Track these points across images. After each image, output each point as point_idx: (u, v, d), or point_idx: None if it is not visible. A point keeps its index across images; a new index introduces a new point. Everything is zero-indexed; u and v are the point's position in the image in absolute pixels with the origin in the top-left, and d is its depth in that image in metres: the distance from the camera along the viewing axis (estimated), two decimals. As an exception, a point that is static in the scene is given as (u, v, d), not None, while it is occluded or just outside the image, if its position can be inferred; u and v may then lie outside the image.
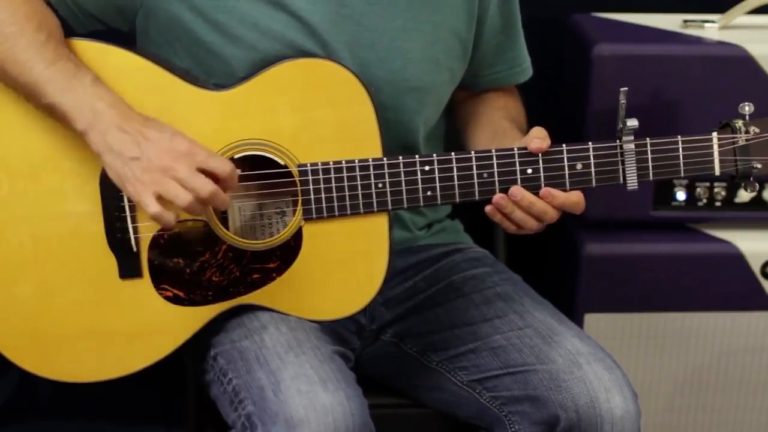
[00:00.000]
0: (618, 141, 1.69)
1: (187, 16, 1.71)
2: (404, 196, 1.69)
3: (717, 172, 1.71)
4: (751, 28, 2.22)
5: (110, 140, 1.59)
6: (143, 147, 1.58)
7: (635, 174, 1.69)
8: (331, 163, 1.67)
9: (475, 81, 1.92)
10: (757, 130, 1.70)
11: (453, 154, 1.68)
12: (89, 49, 1.67)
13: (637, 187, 1.69)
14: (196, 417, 2.02)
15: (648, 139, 1.69)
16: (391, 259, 1.71)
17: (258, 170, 1.70)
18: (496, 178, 1.68)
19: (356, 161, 1.67)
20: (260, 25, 1.70)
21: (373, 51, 1.74)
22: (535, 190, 1.67)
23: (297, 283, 1.71)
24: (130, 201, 1.67)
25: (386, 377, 1.92)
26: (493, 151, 1.69)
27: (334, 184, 1.68)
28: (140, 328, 1.71)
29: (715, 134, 1.70)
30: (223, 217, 1.71)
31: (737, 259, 2.22)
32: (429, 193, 1.69)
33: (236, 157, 1.68)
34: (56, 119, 1.63)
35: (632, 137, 1.68)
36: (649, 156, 1.69)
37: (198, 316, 1.72)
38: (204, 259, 1.70)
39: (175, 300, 1.71)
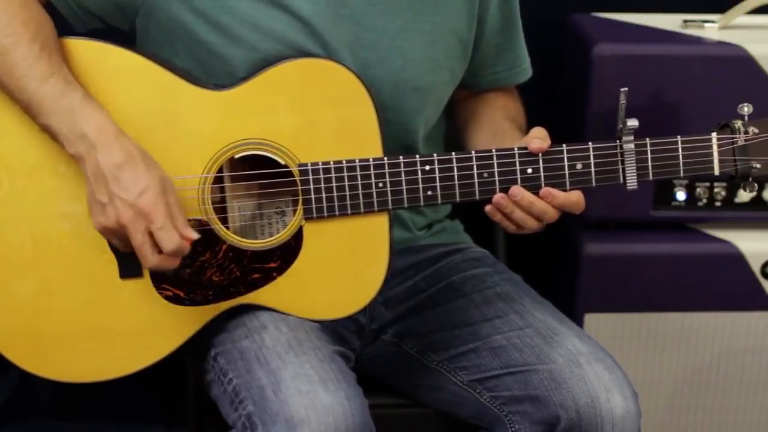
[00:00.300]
0: (618, 141, 1.69)
1: (187, 17, 1.71)
2: (405, 196, 1.69)
3: (716, 172, 1.71)
4: (751, 28, 2.22)
5: (89, 172, 1.61)
6: (111, 196, 1.60)
7: (635, 174, 1.69)
8: (331, 162, 1.67)
9: (475, 81, 1.92)
10: (756, 131, 1.70)
11: (453, 153, 1.68)
12: (89, 48, 1.67)
13: (636, 187, 1.69)
14: (196, 417, 2.02)
15: (648, 139, 1.69)
16: (391, 259, 1.71)
17: (258, 170, 1.70)
18: (497, 178, 1.68)
19: (357, 161, 1.67)
20: (261, 26, 1.70)
21: (373, 51, 1.74)
22: (535, 189, 1.67)
23: (297, 282, 1.71)
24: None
25: (386, 377, 1.92)
26: (494, 150, 1.69)
27: (334, 184, 1.68)
28: (140, 328, 1.71)
29: (714, 134, 1.70)
30: (224, 216, 1.71)
31: (737, 259, 2.22)
32: (429, 192, 1.69)
33: (237, 156, 1.68)
34: (51, 138, 1.64)
35: (632, 137, 1.68)
36: (649, 156, 1.69)
37: (198, 316, 1.72)
38: (204, 259, 1.70)
39: (175, 300, 1.71)
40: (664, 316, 2.24)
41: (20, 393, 2.43)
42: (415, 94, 1.78)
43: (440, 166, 1.68)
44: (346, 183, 1.68)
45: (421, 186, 1.69)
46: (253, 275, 1.71)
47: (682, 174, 1.70)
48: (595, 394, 1.69)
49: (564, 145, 1.69)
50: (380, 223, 1.70)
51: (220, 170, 1.69)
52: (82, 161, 1.61)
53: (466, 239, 2.03)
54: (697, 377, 2.27)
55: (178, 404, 2.11)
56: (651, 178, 1.70)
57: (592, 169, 1.69)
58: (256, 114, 1.67)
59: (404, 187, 1.68)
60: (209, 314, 1.73)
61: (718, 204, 2.22)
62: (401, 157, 1.68)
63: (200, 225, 1.66)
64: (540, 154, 1.68)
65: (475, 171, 1.68)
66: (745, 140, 1.70)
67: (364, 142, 1.68)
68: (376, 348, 1.90)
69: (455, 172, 1.68)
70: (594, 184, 1.69)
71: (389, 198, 1.69)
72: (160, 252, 1.61)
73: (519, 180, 1.68)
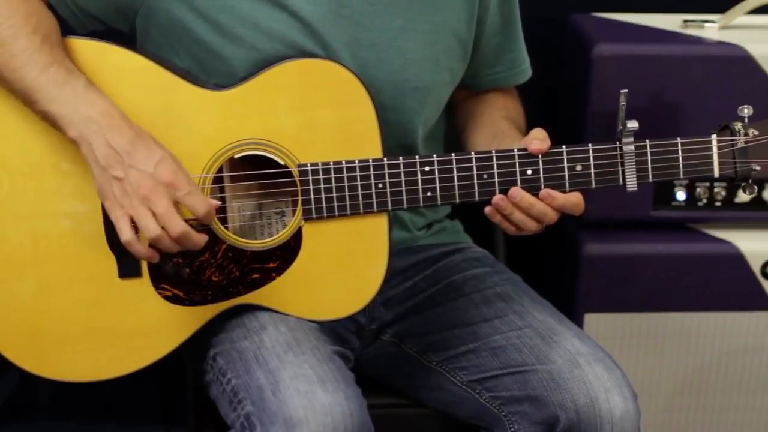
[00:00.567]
0: (618, 142, 1.69)
1: (187, 17, 1.71)
2: (404, 197, 1.69)
3: (716, 174, 1.71)
4: (751, 28, 2.22)
5: (98, 154, 1.60)
6: (127, 169, 1.59)
7: (635, 176, 1.69)
8: (331, 163, 1.67)
9: (474, 81, 1.92)
10: (756, 133, 1.70)
11: (453, 154, 1.68)
12: (89, 48, 1.67)
13: (636, 188, 1.69)
14: (196, 417, 2.02)
15: (647, 140, 1.69)
16: (390, 260, 1.71)
17: (258, 170, 1.70)
18: (496, 179, 1.68)
19: (356, 161, 1.67)
20: (261, 26, 1.70)
21: (373, 51, 1.74)
22: (534, 191, 1.67)
23: (297, 283, 1.71)
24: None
25: (386, 377, 1.92)
26: (493, 152, 1.69)
27: (334, 184, 1.68)
28: (140, 327, 1.71)
29: (714, 136, 1.70)
30: (223, 216, 1.71)
31: (737, 259, 2.22)
32: (429, 193, 1.69)
33: (236, 156, 1.68)
34: (50, 125, 1.63)
35: (632, 139, 1.68)
36: (649, 158, 1.69)
37: (197, 316, 1.72)
38: (203, 259, 1.70)
39: (174, 300, 1.71)
40: (664, 316, 2.24)
41: (20, 393, 2.43)
42: (415, 94, 1.78)
43: (440, 167, 1.68)
44: (346, 183, 1.68)
45: (420, 187, 1.69)
46: (252, 275, 1.71)
47: (681, 176, 1.70)
48: (594, 395, 1.69)
49: (564, 146, 1.69)
50: (379, 224, 1.70)
51: (220, 170, 1.69)
52: (86, 143, 1.60)
53: (466, 239, 2.03)
54: (697, 377, 2.27)
55: (178, 404, 2.11)
56: (651, 179, 1.70)
57: (592, 170, 1.69)
58: (255, 114, 1.67)
59: (404, 188, 1.68)
60: (208, 314, 1.72)
61: (718, 204, 2.22)
62: (401, 157, 1.68)
63: (200, 225, 1.66)
64: (540, 156, 1.68)
65: (474, 172, 1.68)
66: (745, 142, 1.70)
67: (364, 142, 1.68)
68: (375, 348, 1.90)
69: (455, 173, 1.68)
70: (594, 185, 1.69)
71: (388, 199, 1.69)
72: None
73: (518, 181, 1.68)
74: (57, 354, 1.72)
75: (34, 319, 1.70)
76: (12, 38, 1.62)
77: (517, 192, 1.66)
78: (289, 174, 1.68)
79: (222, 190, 1.72)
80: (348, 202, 1.68)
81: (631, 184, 1.69)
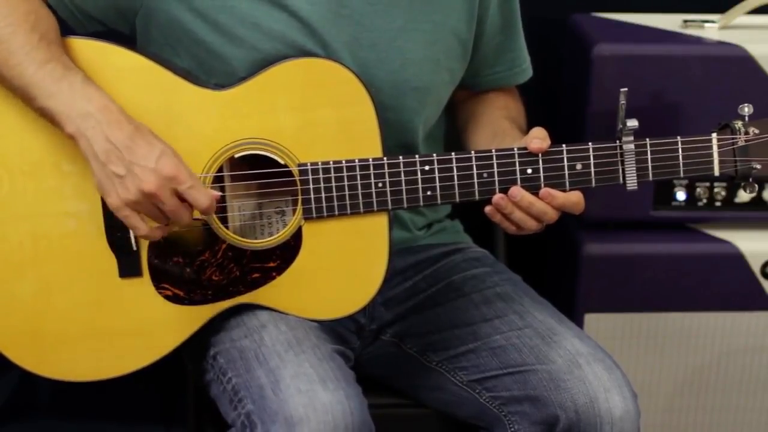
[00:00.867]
0: (618, 141, 1.69)
1: (186, 17, 1.71)
2: (404, 196, 1.69)
3: (716, 172, 1.70)
4: (751, 28, 2.22)
5: (97, 149, 1.59)
6: (129, 165, 1.58)
7: (635, 174, 1.69)
8: (331, 162, 1.67)
9: (475, 81, 1.92)
10: (756, 131, 1.70)
11: (453, 154, 1.68)
12: (89, 48, 1.67)
13: (636, 187, 1.69)
14: (196, 417, 2.02)
15: (648, 139, 1.69)
16: (390, 259, 1.71)
17: (258, 169, 1.70)
18: (496, 178, 1.68)
19: (356, 161, 1.67)
20: (261, 25, 1.70)
21: (373, 51, 1.74)
22: (534, 190, 1.67)
23: (297, 282, 1.71)
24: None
25: (386, 377, 1.92)
26: (493, 151, 1.68)
27: (334, 184, 1.68)
28: (140, 327, 1.71)
29: (714, 135, 1.70)
30: (223, 216, 1.71)
31: (737, 259, 2.22)
32: (429, 192, 1.69)
33: (236, 156, 1.68)
34: (49, 122, 1.63)
35: (632, 137, 1.68)
36: (649, 156, 1.69)
37: (198, 316, 1.72)
38: (204, 258, 1.70)
39: (174, 299, 1.71)
40: (664, 316, 2.23)
41: (20, 393, 2.43)
42: (415, 94, 1.78)
43: (440, 167, 1.68)
44: (346, 183, 1.68)
45: (420, 186, 1.69)
46: (252, 275, 1.71)
47: (682, 174, 1.70)
48: (594, 395, 1.69)
49: (564, 145, 1.69)
50: (379, 224, 1.70)
51: (220, 170, 1.69)
52: (84, 139, 1.59)
53: (466, 239, 2.03)
54: (697, 377, 2.27)
55: (178, 404, 2.11)
56: (651, 178, 1.70)
57: (592, 169, 1.69)
58: (255, 114, 1.67)
59: (404, 187, 1.68)
60: (209, 314, 1.73)
61: (718, 204, 2.22)
62: (401, 157, 1.68)
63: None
64: (540, 155, 1.68)
65: (474, 171, 1.68)
66: (746, 141, 1.70)
67: (364, 142, 1.68)
68: (375, 348, 1.90)
69: (455, 173, 1.68)
70: (594, 184, 1.69)
71: (389, 198, 1.69)
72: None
73: (519, 180, 1.68)
74: (57, 353, 1.72)
75: (35, 318, 1.70)
76: (10, 35, 1.62)
77: (517, 191, 1.66)
78: (290, 173, 1.68)
79: (222, 189, 1.72)
80: (348, 202, 1.68)
81: (631, 182, 1.69)
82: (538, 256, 2.40)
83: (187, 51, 1.73)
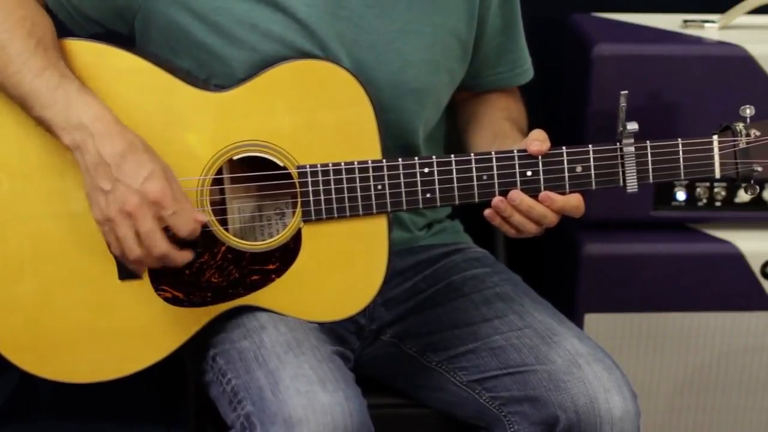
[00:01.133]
0: (618, 144, 1.68)
1: (185, 19, 1.71)
2: (403, 198, 1.68)
3: (717, 175, 1.70)
4: (751, 28, 2.22)
5: (88, 161, 1.59)
6: (114, 182, 1.58)
7: (635, 177, 1.69)
8: (330, 164, 1.67)
9: (476, 82, 1.91)
10: (757, 133, 1.69)
11: (452, 156, 1.68)
12: (88, 50, 1.67)
13: (636, 189, 1.69)
14: (196, 417, 2.02)
15: (648, 142, 1.69)
16: (390, 261, 1.71)
17: (257, 171, 1.69)
18: (496, 181, 1.68)
19: (355, 163, 1.67)
20: (259, 27, 1.70)
21: (371, 53, 1.74)
22: (534, 192, 1.67)
23: (296, 284, 1.71)
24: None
25: (386, 377, 1.92)
26: (493, 153, 1.68)
27: (333, 186, 1.67)
28: (139, 329, 1.71)
29: (715, 137, 1.70)
30: (223, 218, 1.71)
31: (737, 259, 2.22)
32: (428, 195, 1.69)
33: (235, 158, 1.68)
34: (47, 131, 1.63)
35: (632, 140, 1.68)
36: (649, 159, 1.69)
37: (197, 318, 1.72)
38: (203, 261, 1.70)
39: (174, 301, 1.71)
40: (664, 316, 2.24)
41: (20, 393, 2.43)
42: (414, 95, 1.78)
43: (439, 169, 1.68)
44: (345, 185, 1.67)
45: (419, 188, 1.68)
46: (251, 277, 1.71)
47: (682, 177, 1.70)
48: (594, 395, 1.69)
49: (564, 147, 1.68)
50: (379, 226, 1.70)
51: (220, 171, 1.69)
52: (78, 151, 1.60)
53: (466, 239, 2.03)
54: (697, 377, 2.27)
55: (178, 404, 2.11)
56: (651, 180, 1.69)
57: (592, 171, 1.68)
58: (254, 115, 1.67)
59: (403, 189, 1.68)
60: (208, 316, 1.72)
61: (718, 204, 2.22)
62: (400, 159, 1.68)
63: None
64: (539, 157, 1.68)
65: (474, 173, 1.68)
66: (747, 143, 1.69)
67: (363, 143, 1.68)
68: (375, 348, 1.90)
69: (454, 175, 1.68)
70: (594, 186, 1.69)
71: (388, 200, 1.68)
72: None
73: (518, 183, 1.68)
74: (57, 355, 1.72)
75: (35, 320, 1.70)
76: (7, 42, 1.62)
77: (516, 195, 1.66)
78: (289, 176, 1.68)
79: (221, 191, 1.72)
80: (347, 204, 1.68)
81: (632, 185, 1.69)
82: (539, 256, 2.40)
83: (186, 52, 1.73)
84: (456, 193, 1.69)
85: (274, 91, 1.67)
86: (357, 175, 1.67)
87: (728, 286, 2.22)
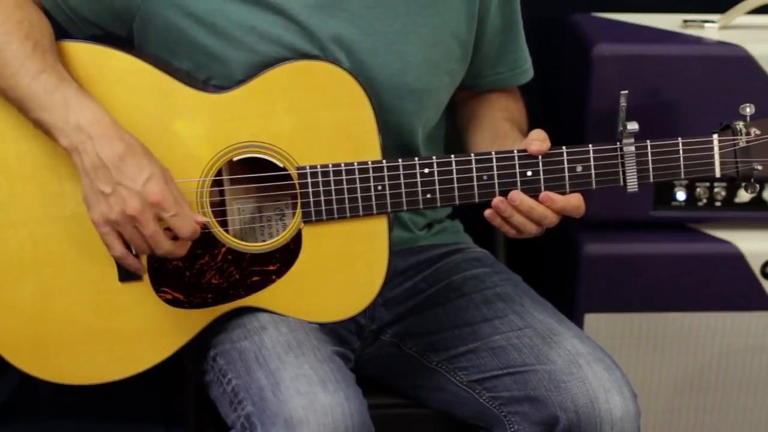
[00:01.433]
0: (618, 143, 1.68)
1: (184, 22, 1.70)
2: (403, 199, 1.68)
3: (718, 174, 1.70)
4: (751, 28, 2.22)
5: (87, 164, 1.59)
6: (115, 186, 1.58)
7: (635, 176, 1.69)
8: (330, 165, 1.67)
9: (476, 82, 1.91)
10: (757, 132, 1.69)
11: (452, 156, 1.68)
12: (87, 51, 1.67)
13: (637, 189, 1.69)
14: (196, 417, 2.02)
15: (648, 141, 1.69)
16: (390, 262, 1.71)
17: (257, 172, 1.69)
18: (496, 181, 1.68)
19: (355, 164, 1.67)
20: (258, 29, 1.70)
21: (371, 54, 1.73)
22: (534, 192, 1.67)
23: (296, 285, 1.71)
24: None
25: (386, 377, 1.92)
26: (493, 153, 1.68)
27: (333, 187, 1.67)
28: (140, 330, 1.71)
29: (715, 136, 1.70)
30: (223, 219, 1.71)
31: (737, 259, 2.22)
32: (428, 195, 1.69)
33: (235, 159, 1.68)
34: (44, 133, 1.63)
35: (632, 139, 1.68)
36: (650, 158, 1.69)
37: (198, 319, 1.72)
38: (203, 262, 1.70)
39: (174, 303, 1.71)
40: (664, 316, 2.23)
41: (20, 393, 2.43)
42: (414, 96, 1.77)
43: (439, 169, 1.68)
44: (345, 186, 1.67)
45: (420, 189, 1.68)
46: (252, 278, 1.71)
47: (682, 176, 1.70)
48: (594, 395, 1.69)
49: (564, 147, 1.68)
50: (379, 226, 1.70)
51: (219, 173, 1.69)
52: (76, 153, 1.60)
53: (466, 239, 2.03)
54: (697, 377, 2.27)
55: (178, 404, 2.11)
56: (651, 180, 1.69)
57: (592, 171, 1.68)
58: (254, 117, 1.67)
59: (403, 190, 1.68)
60: (209, 317, 1.72)
61: (718, 204, 2.22)
62: (400, 159, 1.68)
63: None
64: (539, 157, 1.68)
65: (474, 174, 1.68)
66: (747, 142, 1.69)
67: (363, 144, 1.68)
68: (375, 348, 1.90)
69: (454, 175, 1.68)
70: (594, 186, 1.69)
71: (388, 201, 1.68)
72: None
73: (518, 183, 1.68)
74: (58, 357, 1.72)
75: (35, 322, 1.70)
76: (4, 44, 1.62)
77: (516, 195, 1.66)
78: (289, 176, 1.68)
79: (221, 193, 1.72)
80: (347, 205, 1.68)
81: (632, 184, 1.69)
82: (539, 256, 2.40)
83: (185, 54, 1.72)
84: (456, 193, 1.69)
85: (274, 92, 1.67)
86: (357, 175, 1.67)
87: (728, 286, 2.22)
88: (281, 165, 1.68)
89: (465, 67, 1.86)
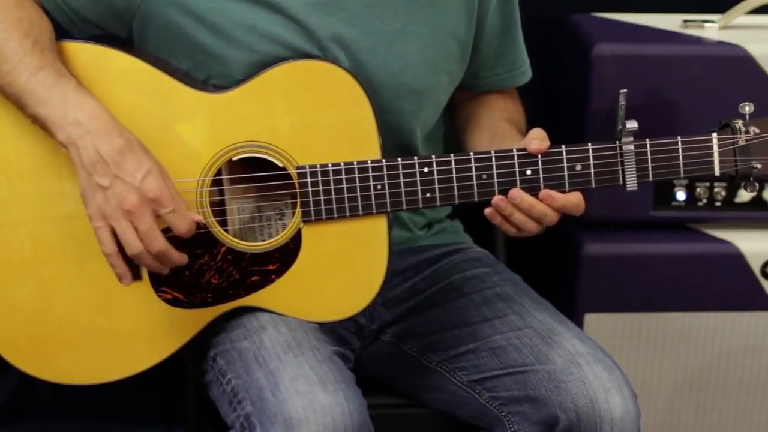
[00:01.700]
0: (617, 142, 1.68)
1: (184, 21, 1.71)
2: (403, 198, 1.68)
3: (717, 172, 1.70)
4: (751, 28, 2.22)
5: (85, 158, 1.59)
6: (113, 179, 1.58)
7: (635, 175, 1.68)
8: (329, 165, 1.67)
9: (475, 82, 1.91)
10: (757, 130, 1.69)
11: (452, 155, 1.68)
12: (86, 51, 1.67)
13: (636, 188, 1.69)
14: (196, 417, 2.02)
15: (647, 139, 1.69)
16: (390, 261, 1.71)
17: (257, 171, 1.69)
18: (495, 180, 1.68)
19: (355, 163, 1.67)
20: (258, 28, 1.70)
21: (371, 54, 1.74)
22: (534, 191, 1.67)
23: (296, 285, 1.71)
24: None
25: (386, 377, 1.92)
26: (492, 152, 1.68)
27: (332, 186, 1.67)
28: (140, 330, 1.71)
29: (715, 135, 1.70)
30: (222, 219, 1.71)
31: (737, 259, 2.22)
32: (428, 194, 1.69)
33: (235, 159, 1.68)
34: (42, 129, 1.63)
35: (632, 138, 1.68)
36: (649, 157, 1.69)
37: (197, 319, 1.72)
38: (203, 262, 1.70)
39: (174, 302, 1.71)
40: (664, 316, 2.23)
41: (20, 393, 2.43)
42: (414, 96, 1.77)
43: (438, 168, 1.68)
44: (344, 185, 1.67)
45: (419, 188, 1.68)
46: (252, 278, 1.71)
47: (682, 174, 1.70)
48: (594, 395, 1.69)
49: (563, 146, 1.68)
50: (379, 225, 1.70)
51: (219, 172, 1.69)
52: (74, 147, 1.59)
53: (466, 239, 2.03)
54: (697, 377, 2.27)
55: (178, 404, 2.11)
56: (651, 179, 1.69)
57: (592, 170, 1.68)
58: (253, 116, 1.67)
59: (402, 189, 1.68)
60: (208, 317, 1.72)
61: (718, 204, 2.21)
62: (399, 159, 1.68)
63: (198, 228, 1.66)
64: (539, 156, 1.68)
65: (473, 173, 1.68)
66: (746, 140, 1.69)
67: (362, 143, 1.68)
68: (375, 348, 1.90)
69: (454, 174, 1.68)
70: (593, 185, 1.69)
71: (387, 200, 1.68)
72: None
73: (518, 181, 1.68)
74: (58, 357, 1.72)
75: (35, 322, 1.70)
76: (3, 41, 1.62)
77: (517, 193, 1.66)
78: (288, 176, 1.68)
79: (221, 192, 1.72)
80: (347, 204, 1.68)
81: (631, 183, 1.69)
82: (538, 256, 2.40)
83: (185, 53, 1.73)
84: (456, 192, 1.69)
85: (273, 91, 1.67)
86: (356, 175, 1.67)
87: (728, 286, 2.22)
88: (281, 164, 1.68)
89: (464, 68, 1.86)
